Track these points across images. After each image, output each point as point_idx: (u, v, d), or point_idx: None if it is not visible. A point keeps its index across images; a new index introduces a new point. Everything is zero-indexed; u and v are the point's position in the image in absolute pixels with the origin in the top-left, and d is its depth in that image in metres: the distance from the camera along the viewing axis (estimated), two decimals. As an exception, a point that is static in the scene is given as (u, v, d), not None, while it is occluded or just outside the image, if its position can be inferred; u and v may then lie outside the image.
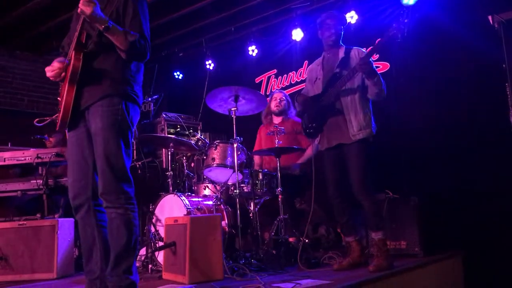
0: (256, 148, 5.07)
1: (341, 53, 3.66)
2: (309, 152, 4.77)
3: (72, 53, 2.54)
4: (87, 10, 2.42)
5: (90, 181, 2.60)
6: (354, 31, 5.23)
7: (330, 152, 3.60)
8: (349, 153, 3.48)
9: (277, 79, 6.42)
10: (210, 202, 4.10)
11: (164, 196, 4.05)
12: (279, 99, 4.94)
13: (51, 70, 2.61)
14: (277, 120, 4.95)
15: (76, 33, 2.56)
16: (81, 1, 2.43)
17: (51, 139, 5.21)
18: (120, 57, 2.58)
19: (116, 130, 2.53)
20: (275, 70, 6.46)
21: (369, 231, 3.55)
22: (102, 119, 2.53)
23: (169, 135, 5.25)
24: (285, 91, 5.95)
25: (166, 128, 6.12)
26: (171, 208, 3.93)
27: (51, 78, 2.62)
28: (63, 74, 2.60)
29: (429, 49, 4.92)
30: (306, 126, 3.71)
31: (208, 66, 6.88)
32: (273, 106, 4.96)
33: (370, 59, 3.45)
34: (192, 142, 4.32)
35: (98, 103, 2.55)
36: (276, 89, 5.43)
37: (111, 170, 2.50)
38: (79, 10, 2.45)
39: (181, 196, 3.91)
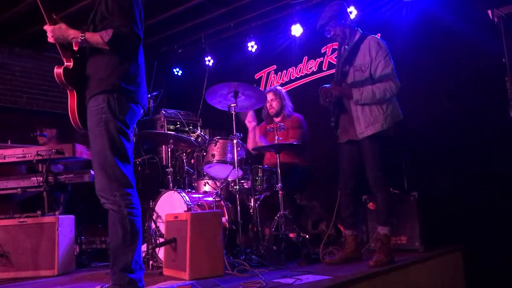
0: (248, 141, 5.00)
1: (352, 44, 3.61)
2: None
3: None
4: (51, 39, 2.59)
5: None
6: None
7: (345, 146, 3.63)
8: (363, 149, 3.50)
9: (276, 75, 6.41)
10: (210, 199, 4.10)
11: (165, 193, 4.05)
12: (270, 100, 4.83)
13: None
14: (277, 120, 4.88)
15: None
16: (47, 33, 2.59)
17: (44, 138, 5.22)
18: (107, 55, 2.62)
19: (101, 129, 2.56)
20: (275, 66, 6.45)
21: (377, 224, 3.57)
22: (90, 119, 2.61)
23: (168, 132, 5.24)
24: (284, 87, 5.94)
25: (165, 124, 6.12)
26: (172, 204, 3.93)
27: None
28: None
29: (429, 44, 4.92)
30: (330, 119, 3.73)
31: (207, 62, 6.87)
32: (268, 108, 4.91)
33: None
34: (192, 138, 4.31)
35: (89, 103, 2.63)
36: (270, 87, 5.34)
37: (101, 169, 2.54)
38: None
39: (181, 193, 3.92)
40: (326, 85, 3.75)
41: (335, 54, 5.65)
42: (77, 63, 2.65)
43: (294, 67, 6.22)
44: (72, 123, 2.67)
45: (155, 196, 4.08)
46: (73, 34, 2.57)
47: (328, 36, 3.70)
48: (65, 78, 2.60)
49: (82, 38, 2.55)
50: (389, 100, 3.49)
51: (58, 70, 2.59)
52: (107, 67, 2.62)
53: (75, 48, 2.69)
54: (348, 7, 5.23)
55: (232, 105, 4.02)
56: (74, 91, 2.63)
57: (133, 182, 2.63)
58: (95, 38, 2.56)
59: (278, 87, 5.10)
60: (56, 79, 2.61)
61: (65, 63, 2.63)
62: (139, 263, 2.58)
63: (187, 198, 3.87)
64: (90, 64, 2.67)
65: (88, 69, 2.67)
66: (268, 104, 4.86)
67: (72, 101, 2.64)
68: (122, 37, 2.55)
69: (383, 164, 3.45)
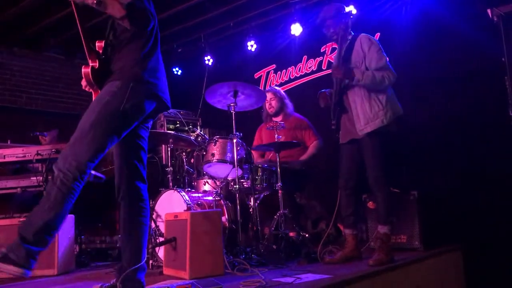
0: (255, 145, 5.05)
1: (346, 46, 3.65)
2: (312, 150, 4.78)
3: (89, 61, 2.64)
4: None
5: (124, 173, 2.66)
6: (353, 25, 5.22)
7: (346, 146, 3.64)
8: (363, 147, 3.51)
9: (276, 75, 6.41)
10: (210, 198, 4.10)
11: (164, 192, 4.05)
12: (269, 99, 4.87)
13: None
14: (277, 120, 4.89)
15: (83, 40, 2.60)
16: None
17: (45, 138, 5.24)
18: (130, 52, 2.61)
19: (95, 106, 2.50)
20: (274, 65, 6.45)
21: (377, 223, 3.58)
22: (96, 98, 2.58)
23: (168, 131, 5.24)
24: (284, 86, 5.95)
25: (165, 124, 6.13)
26: (171, 203, 3.93)
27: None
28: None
29: (428, 44, 4.92)
30: (331, 123, 3.72)
31: (207, 62, 6.87)
32: (267, 108, 4.94)
33: (338, 63, 3.54)
34: (191, 137, 4.31)
35: (103, 87, 2.60)
36: (269, 87, 5.35)
37: (72, 142, 2.44)
38: None
39: (181, 192, 3.91)
40: (325, 90, 3.76)
41: (335, 53, 5.68)
42: (102, 63, 2.64)
43: (293, 67, 6.21)
44: None
45: (155, 196, 4.08)
46: None
47: (325, 32, 3.72)
48: (93, 77, 2.60)
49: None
50: (385, 89, 3.50)
51: (86, 70, 2.59)
52: (132, 60, 2.61)
53: (100, 51, 2.70)
54: (347, 6, 5.26)
55: (232, 104, 4.03)
56: (99, 91, 2.63)
57: (90, 168, 2.47)
58: (112, 2, 2.47)
59: (276, 87, 5.13)
60: (84, 78, 2.60)
61: (91, 63, 2.62)
62: (43, 237, 2.33)
63: (187, 198, 3.87)
64: (115, 62, 2.66)
65: (113, 67, 2.66)
66: (267, 104, 4.89)
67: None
68: (139, 6, 2.54)
69: (383, 162, 3.45)
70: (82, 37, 2.59)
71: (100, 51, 2.71)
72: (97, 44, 2.73)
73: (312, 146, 4.80)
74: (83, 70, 2.60)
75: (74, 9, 2.55)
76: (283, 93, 5.04)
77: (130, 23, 2.55)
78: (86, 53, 2.63)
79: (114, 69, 2.64)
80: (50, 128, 5.50)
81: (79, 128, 2.47)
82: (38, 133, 5.19)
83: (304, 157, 4.74)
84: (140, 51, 2.63)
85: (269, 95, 4.89)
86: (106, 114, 2.47)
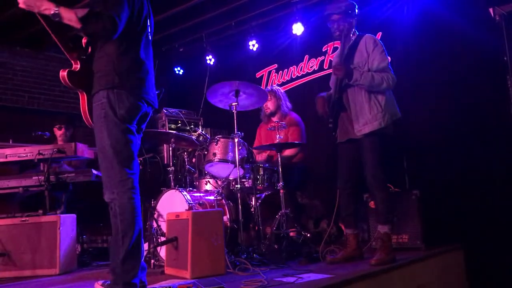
0: (256, 145, 5.04)
1: (350, 45, 3.65)
2: (292, 151, 4.73)
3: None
4: (21, 3, 2.46)
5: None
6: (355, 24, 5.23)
7: (345, 145, 3.63)
8: (361, 147, 3.51)
9: (277, 74, 6.40)
10: (212, 197, 4.10)
11: (166, 192, 4.05)
12: (265, 101, 4.84)
13: None
14: (275, 119, 4.88)
15: (60, 45, 2.64)
16: None
17: (67, 132, 5.26)
18: (109, 52, 2.60)
19: (102, 123, 2.55)
20: (276, 64, 6.44)
21: (377, 223, 3.58)
22: (94, 114, 2.61)
23: (170, 131, 5.24)
24: (285, 86, 5.95)
25: (167, 123, 6.14)
26: (173, 203, 3.93)
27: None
28: None
29: (430, 42, 4.91)
30: (328, 121, 3.72)
31: (208, 61, 6.86)
32: (264, 109, 4.95)
33: (341, 63, 3.53)
34: (193, 137, 4.32)
35: (93, 100, 2.63)
36: (268, 87, 5.33)
37: (101, 165, 2.54)
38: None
39: (183, 191, 3.91)
40: (323, 94, 3.75)
41: (337, 52, 5.67)
42: (83, 64, 2.64)
43: (295, 66, 6.21)
44: (86, 123, 2.70)
45: (157, 195, 4.08)
46: (47, 5, 2.46)
47: (329, 26, 3.70)
48: (70, 80, 2.60)
49: (56, 11, 2.44)
50: (384, 91, 3.50)
51: (62, 74, 2.59)
52: (108, 64, 2.59)
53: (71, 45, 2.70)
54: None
55: (234, 104, 4.03)
56: (84, 93, 2.63)
57: (135, 177, 2.60)
58: (70, 14, 2.46)
59: (275, 87, 5.11)
60: (62, 82, 2.60)
61: (73, 65, 2.62)
62: (138, 246, 2.57)
63: (189, 197, 3.87)
64: (94, 63, 2.66)
65: (93, 67, 2.65)
66: (264, 105, 4.88)
67: (82, 102, 2.65)
68: (96, 18, 2.46)
69: (381, 162, 3.45)
70: (58, 43, 2.61)
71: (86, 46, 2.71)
72: (83, 41, 2.73)
73: (293, 149, 4.76)
74: (60, 74, 2.60)
75: (40, 18, 2.55)
76: (281, 92, 5.01)
77: (88, 36, 2.58)
78: (65, 53, 2.64)
79: (95, 70, 2.64)
80: (69, 125, 5.51)
81: (100, 153, 2.56)
82: (40, 132, 5.19)
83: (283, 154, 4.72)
84: (116, 52, 2.61)
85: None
86: (112, 128, 2.54)
